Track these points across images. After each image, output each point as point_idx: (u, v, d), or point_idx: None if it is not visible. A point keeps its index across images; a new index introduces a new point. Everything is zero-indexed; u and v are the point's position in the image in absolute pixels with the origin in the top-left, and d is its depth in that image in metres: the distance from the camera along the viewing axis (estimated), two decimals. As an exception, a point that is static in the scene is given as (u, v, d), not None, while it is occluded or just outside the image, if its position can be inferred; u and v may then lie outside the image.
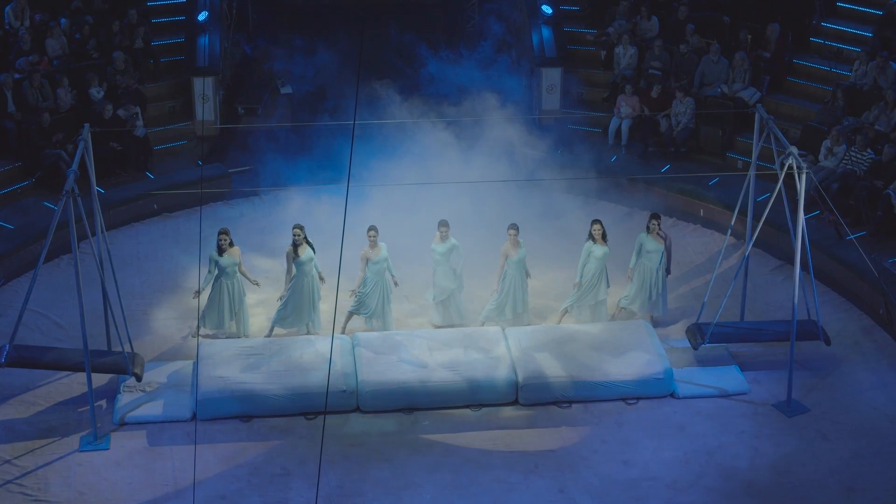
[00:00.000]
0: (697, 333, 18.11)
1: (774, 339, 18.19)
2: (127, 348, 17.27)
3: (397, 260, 19.27)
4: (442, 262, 18.92)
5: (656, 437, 17.03)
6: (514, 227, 18.88)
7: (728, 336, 18.26)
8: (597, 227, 18.82)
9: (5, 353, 17.02)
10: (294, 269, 18.47)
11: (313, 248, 18.56)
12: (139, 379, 17.38)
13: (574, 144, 24.46)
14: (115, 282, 17.53)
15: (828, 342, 18.07)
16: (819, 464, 16.51)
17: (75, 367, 17.17)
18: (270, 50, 27.20)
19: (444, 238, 18.86)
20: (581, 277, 18.96)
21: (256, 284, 18.98)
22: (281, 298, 18.60)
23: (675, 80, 24.84)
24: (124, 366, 17.18)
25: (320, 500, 15.38)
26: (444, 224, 18.87)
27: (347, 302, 18.99)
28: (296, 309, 18.64)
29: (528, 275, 19.05)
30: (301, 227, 18.47)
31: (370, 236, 18.55)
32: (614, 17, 26.48)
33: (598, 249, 18.80)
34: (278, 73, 26.70)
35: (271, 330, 18.87)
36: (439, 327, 19.17)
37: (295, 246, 18.42)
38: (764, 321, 18.86)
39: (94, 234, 17.41)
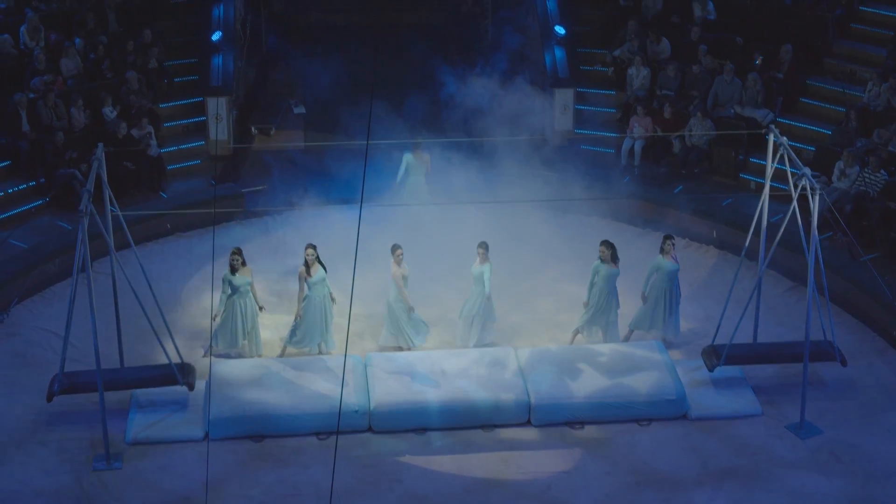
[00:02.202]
0: (713, 355, 18.05)
1: (790, 359, 18.11)
2: (175, 359, 17.31)
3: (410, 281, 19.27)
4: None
5: (669, 458, 16.98)
6: (482, 244, 18.78)
7: (744, 357, 18.19)
8: (602, 248, 18.76)
9: (58, 381, 17.05)
10: (306, 289, 18.47)
11: (325, 269, 18.57)
12: (191, 388, 17.43)
13: (587, 165, 24.44)
14: (154, 295, 17.51)
15: (844, 363, 18.00)
16: (832, 486, 16.43)
17: (128, 386, 17.33)
18: (284, 63, 27.44)
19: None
20: (589, 297, 18.94)
21: (262, 309, 18.96)
22: (297, 318, 18.60)
23: (688, 100, 24.84)
24: (174, 377, 17.24)
25: (332, 521, 15.36)
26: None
27: (360, 322, 19.02)
28: (308, 329, 18.63)
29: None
30: (314, 247, 18.47)
31: (398, 255, 18.55)
32: (623, 39, 26.52)
33: (604, 270, 18.75)
34: (292, 94, 26.83)
35: (283, 350, 18.87)
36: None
37: (307, 266, 18.43)
38: (779, 342, 18.79)
39: (122, 249, 17.39)
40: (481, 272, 18.70)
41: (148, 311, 17.18)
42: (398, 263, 18.55)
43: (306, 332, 18.65)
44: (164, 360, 17.38)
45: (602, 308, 18.89)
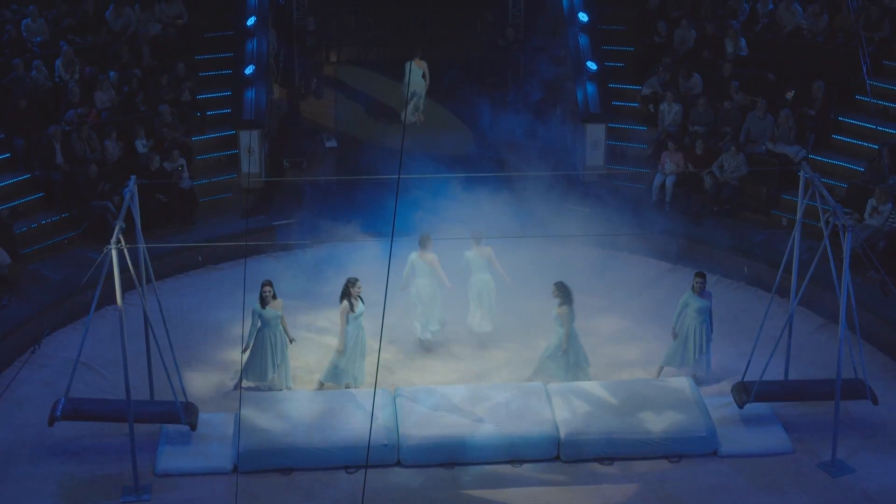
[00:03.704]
0: (743, 391, 17.97)
1: (820, 397, 18.01)
2: (180, 398, 17.33)
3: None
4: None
5: (699, 495, 16.87)
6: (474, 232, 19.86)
7: (774, 394, 18.10)
8: (553, 289, 18.77)
9: (61, 406, 17.11)
10: (348, 325, 18.42)
11: (363, 303, 18.54)
12: (193, 428, 17.42)
13: (618, 200, 24.42)
14: (167, 332, 17.57)
15: (875, 401, 17.87)
16: (864, 525, 16.34)
17: (132, 420, 17.27)
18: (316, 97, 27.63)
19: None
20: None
21: (292, 341, 18.97)
22: (337, 353, 18.55)
23: (720, 136, 24.82)
24: (177, 415, 17.25)
25: (360, 555, 15.33)
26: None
27: (389, 354, 19.00)
28: (348, 364, 18.59)
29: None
30: (358, 281, 18.41)
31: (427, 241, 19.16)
32: (656, 74, 26.52)
33: (553, 310, 18.74)
34: (324, 127, 26.97)
35: (321, 386, 18.79)
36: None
37: (351, 301, 18.35)
38: (810, 379, 18.69)
39: (141, 285, 17.46)
40: (468, 259, 19.80)
41: (161, 347, 17.24)
42: (424, 251, 19.33)
43: (346, 368, 18.59)
44: (189, 398, 17.48)
45: (554, 347, 18.88)
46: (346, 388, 18.67)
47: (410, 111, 27.48)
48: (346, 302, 18.40)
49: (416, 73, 27.87)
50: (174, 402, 17.23)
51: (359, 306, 18.44)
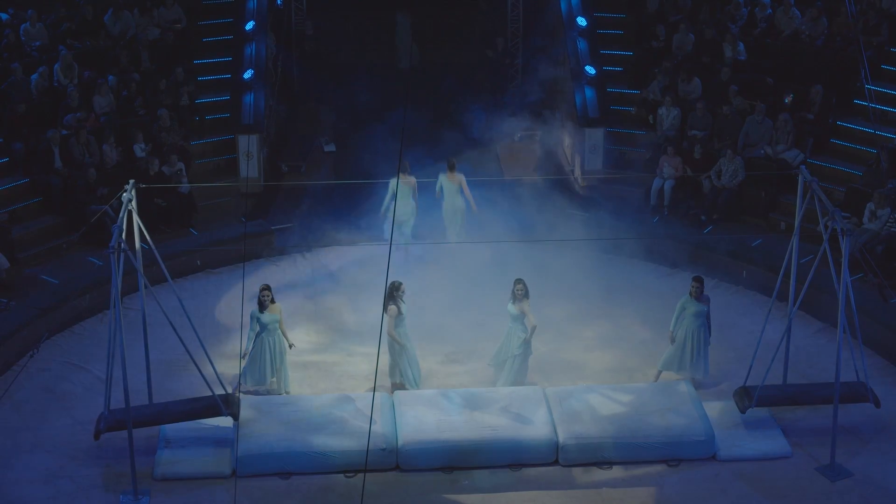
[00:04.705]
0: (745, 396, 17.94)
1: (823, 401, 17.94)
2: (219, 390, 17.35)
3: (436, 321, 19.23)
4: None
5: (698, 499, 16.86)
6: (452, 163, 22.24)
7: (776, 399, 18.07)
8: (517, 286, 18.66)
9: (104, 419, 17.09)
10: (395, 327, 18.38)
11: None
12: (236, 419, 17.45)
13: (616, 204, 24.43)
14: (194, 327, 17.54)
15: (877, 404, 17.86)
16: (863, 529, 16.33)
17: (172, 420, 17.39)
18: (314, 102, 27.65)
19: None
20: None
21: (291, 346, 18.94)
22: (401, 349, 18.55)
23: (718, 140, 24.83)
24: (218, 408, 17.29)
25: (359, 559, 15.32)
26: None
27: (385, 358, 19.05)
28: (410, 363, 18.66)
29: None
30: (402, 284, 18.37)
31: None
32: (655, 77, 26.53)
33: (509, 308, 18.68)
34: (322, 131, 26.95)
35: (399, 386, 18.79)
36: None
37: (398, 304, 18.26)
38: (812, 383, 18.67)
39: (143, 286, 17.44)
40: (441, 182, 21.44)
41: (186, 344, 17.22)
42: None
43: (406, 368, 18.61)
44: (196, 394, 17.42)
45: (505, 345, 18.83)
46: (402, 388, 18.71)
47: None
48: (393, 306, 18.27)
49: (405, 25, 30.24)
50: (212, 395, 17.23)
51: (403, 308, 18.36)
